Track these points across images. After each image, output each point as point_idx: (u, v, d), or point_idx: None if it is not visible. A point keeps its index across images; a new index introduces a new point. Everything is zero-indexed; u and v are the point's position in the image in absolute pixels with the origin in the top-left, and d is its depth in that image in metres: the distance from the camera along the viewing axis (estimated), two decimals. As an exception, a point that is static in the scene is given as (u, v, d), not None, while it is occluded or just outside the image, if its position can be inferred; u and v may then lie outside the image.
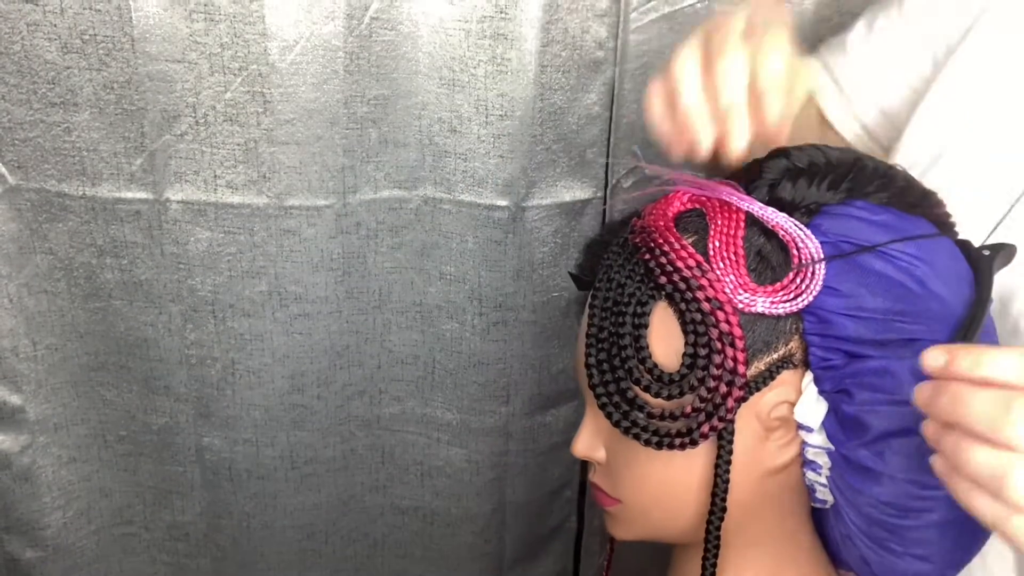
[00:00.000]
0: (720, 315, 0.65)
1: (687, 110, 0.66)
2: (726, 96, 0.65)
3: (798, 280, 0.65)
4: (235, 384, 1.14)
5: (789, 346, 0.66)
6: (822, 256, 0.65)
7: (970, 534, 0.65)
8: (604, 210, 1.14)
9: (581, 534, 1.37)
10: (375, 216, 1.10)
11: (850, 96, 1.01)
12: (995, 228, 0.77)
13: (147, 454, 1.19)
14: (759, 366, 0.66)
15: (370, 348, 1.17)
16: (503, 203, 1.09)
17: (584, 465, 1.24)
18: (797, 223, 0.66)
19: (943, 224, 0.70)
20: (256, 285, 1.09)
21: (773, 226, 0.67)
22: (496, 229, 1.10)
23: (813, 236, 0.66)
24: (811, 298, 0.64)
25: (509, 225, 1.10)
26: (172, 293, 1.08)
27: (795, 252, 0.66)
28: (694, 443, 0.66)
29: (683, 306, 0.66)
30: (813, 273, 0.65)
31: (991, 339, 0.67)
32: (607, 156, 1.11)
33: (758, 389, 0.66)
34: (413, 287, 1.15)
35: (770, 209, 0.67)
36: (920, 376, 0.61)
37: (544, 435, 1.25)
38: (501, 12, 1.01)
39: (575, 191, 1.12)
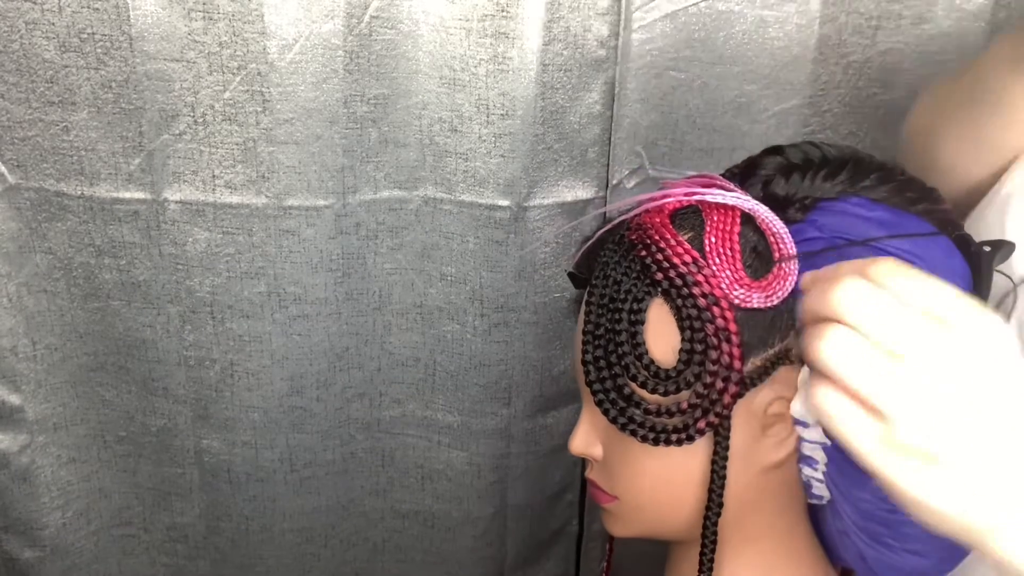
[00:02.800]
0: (716, 311, 0.64)
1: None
2: None
3: (784, 272, 0.65)
4: (234, 386, 1.13)
5: (785, 342, 0.66)
6: (795, 248, 0.65)
7: None
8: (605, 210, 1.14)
9: (582, 537, 1.36)
10: (375, 216, 1.09)
11: None
12: None
13: (146, 455, 1.18)
14: (755, 362, 0.66)
15: (370, 350, 1.17)
16: (504, 203, 1.08)
17: (585, 466, 1.24)
18: (775, 217, 0.66)
19: (944, 220, 0.70)
20: (255, 286, 1.09)
21: (759, 221, 0.66)
22: (497, 229, 1.10)
23: (785, 227, 0.66)
24: (793, 280, 0.64)
25: (510, 225, 1.10)
26: (170, 294, 1.08)
27: (772, 241, 0.65)
28: (691, 439, 0.66)
29: (679, 302, 0.66)
30: (790, 255, 0.65)
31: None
32: (608, 155, 1.11)
33: (754, 385, 0.65)
34: (413, 288, 1.14)
35: (753, 202, 0.67)
36: None
37: (545, 437, 1.24)
38: (502, 10, 1.00)
39: (577, 191, 1.11)
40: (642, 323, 0.68)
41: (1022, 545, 0.49)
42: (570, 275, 0.81)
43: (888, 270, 0.52)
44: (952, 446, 0.49)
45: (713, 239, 0.67)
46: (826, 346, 0.51)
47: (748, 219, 0.67)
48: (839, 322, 0.51)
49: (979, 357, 0.49)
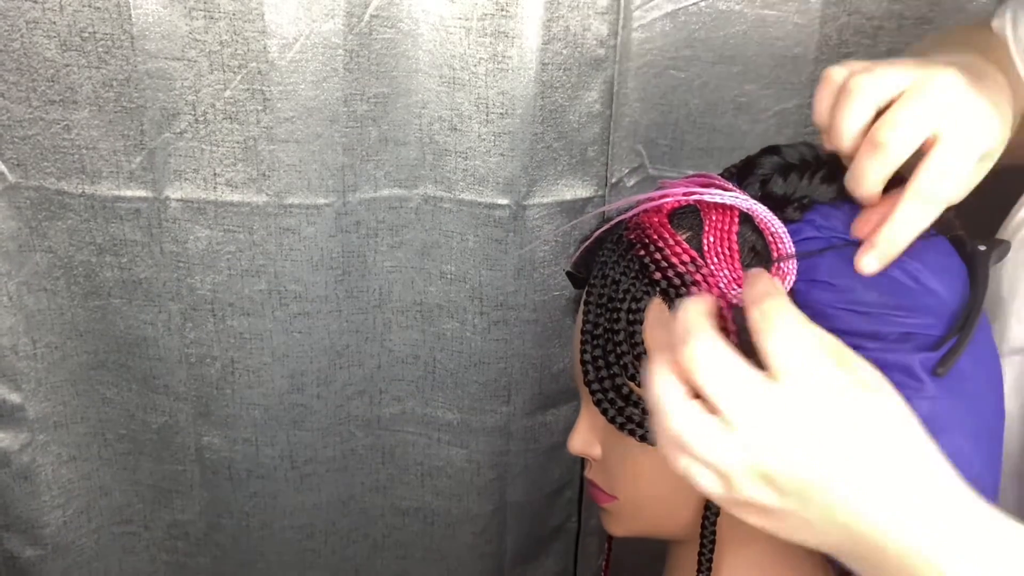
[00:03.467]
0: (715, 310, 0.64)
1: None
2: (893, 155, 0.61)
3: (783, 272, 0.65)
4: (234, 383, 1.13)
5: None
6: (793, 248, 0.66)
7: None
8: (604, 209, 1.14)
9: (580, 533, 1.36)
10: (375, 215, 1.09)
11: None
12: None
13: (147, 453, 1.19)
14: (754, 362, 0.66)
15: (370, 347, 1.17)
16: (504, 201, 1.09)
17: (584, 464, 1.24)
18: (774, 217, 0.66)
19: (940, 221, 0.70)
20: (255, 284, 1.09)
21: (758, 221, 0.66)
22: (497, 228, 1.10)
23: (783, 227, 0.66)
24: (792, 279, 0.64)
25: (510, 224, 1.10)
26: (171, 292, 1.08)
27: (771, 241, 0.66)
28: None
29: (678, 301, 0.66)
30: (789, 255, 0.65)
31: (986, 334, 0.67)
32: (607, 154, 1.11)
33: None
34: (413, 286, 1.15)
35: (751, 202, 0.67)
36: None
37: (545, 435, 1.24)
38: (502, 9, 1.00)
39: (576, 189, 1.11)
40: (640, 322, 0.68)
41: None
42: (569, 275, 0.81)
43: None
44: (782, 501, 0.54)
45: (711, 238, 0.67)
46: (663, 418, 0.55)
47: (746, 219, 0.68)
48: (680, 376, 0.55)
49: (803, 413, 0.53)
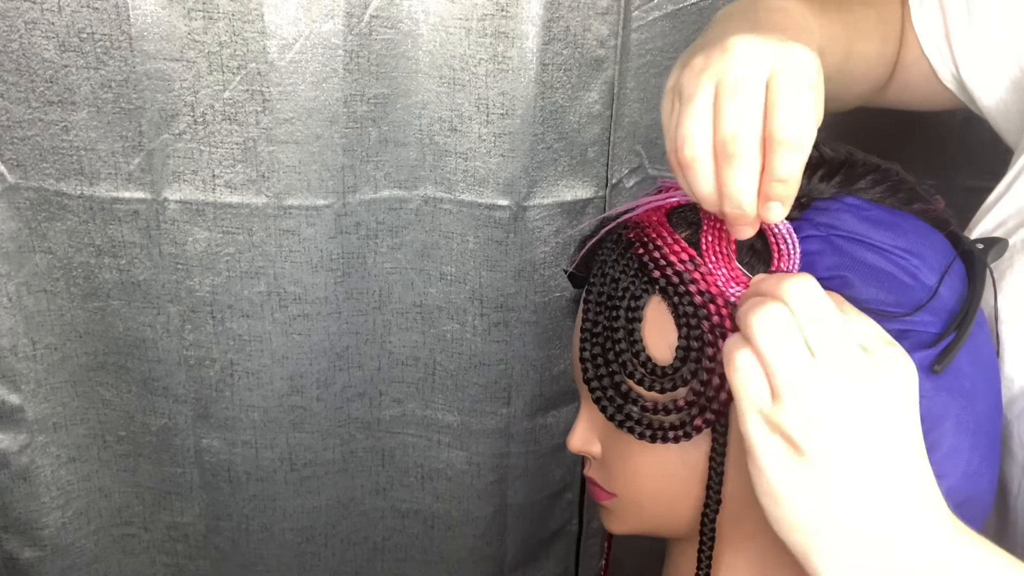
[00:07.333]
0: (712, 308, 0.65)
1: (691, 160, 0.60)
2: (732, 147, 0.58)
3: (783, 269, 0.65)
4: (234, 385, 1.13)
5: None
6: (798, 247, 0.65)
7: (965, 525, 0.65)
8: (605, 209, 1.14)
9: (581, 535, 1.36)
10: (375, 216, 1.09)
11: (952, 28, 0.87)
12: None
13: (146, 455, 1.19)
14: None
15: (370, 349, 1.17)
16: (504, 203, 1.08)
17: (584, 464, 1.24)
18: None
19: (938, 219, 0.70)
20: (255, 285, 1.09)
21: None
22: (497, 229, 1.10)
23: (788, 224, 0.66)
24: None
25: (510, 225, 1.10)
26: (170, 293, 1.08)
27: (772, 240, 0.66)
28: (688, 436, 0.66)
29: (676, 299, 0.66)
30: (790, 255, 0.65)
31: (984, 332, 0.67)
32: (608, 155, 1.11)
33: None
34: (413, 288, 1.15)
35: None
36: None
37: (545, 437, 1.24)
38: (502, 10, 1.00)
39: (576, 190, 1.11)
40: (639, 320, 0.68)
41: (830, 570, 0.55)
42: (568, 274, 0.81)
43: (837, 299, 0.57)
44: (819, 450, 0.54)
45: (710, 237, 0.67)
46: (760, 315, 0.55)
47: None
48: (781, 301, 0.56)
49: (880, 390, 0.54)
